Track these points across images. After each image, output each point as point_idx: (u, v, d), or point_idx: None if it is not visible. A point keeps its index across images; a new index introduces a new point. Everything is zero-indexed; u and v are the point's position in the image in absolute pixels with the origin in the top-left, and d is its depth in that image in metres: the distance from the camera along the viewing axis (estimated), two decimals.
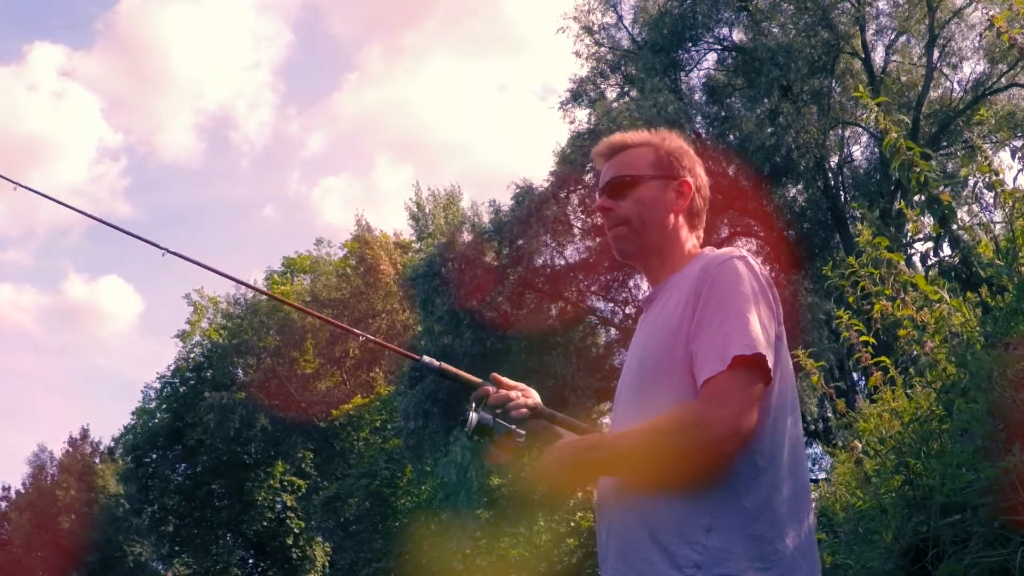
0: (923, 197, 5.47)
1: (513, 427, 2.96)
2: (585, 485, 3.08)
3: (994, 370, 4.20)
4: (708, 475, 2.59)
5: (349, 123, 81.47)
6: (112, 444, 53.45)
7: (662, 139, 3.08)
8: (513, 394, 3.03)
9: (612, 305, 29.97)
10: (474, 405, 3.00)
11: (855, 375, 20.46)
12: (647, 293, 3.09)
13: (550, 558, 31.20)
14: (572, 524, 31.33)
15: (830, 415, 7.46)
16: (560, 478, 2.78)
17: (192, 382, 47.00)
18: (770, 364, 2.60)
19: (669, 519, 2.62)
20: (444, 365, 3.15)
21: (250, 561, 48.15)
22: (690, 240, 3.02)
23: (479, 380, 3.08)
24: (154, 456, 46.68)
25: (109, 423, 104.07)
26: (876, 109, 5.88)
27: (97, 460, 53.86)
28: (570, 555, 31.13)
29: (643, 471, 2.63)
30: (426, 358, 3.18)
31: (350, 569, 37.73)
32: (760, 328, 2.62)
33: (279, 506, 45.49)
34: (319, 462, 44.80)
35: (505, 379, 3.12)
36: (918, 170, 5.40)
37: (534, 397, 3.09)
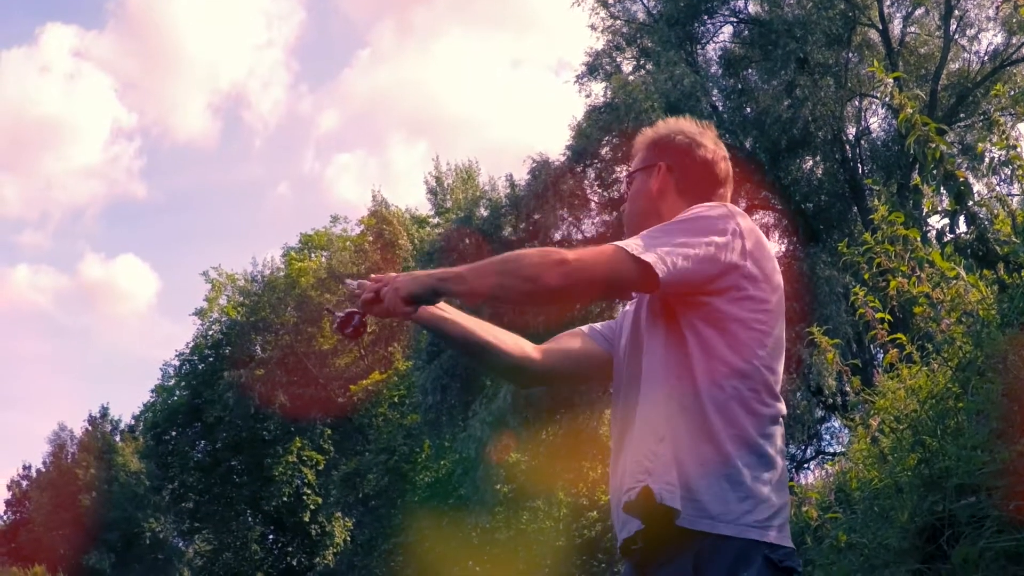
0: (939, 173, 5.42)
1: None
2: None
3: (1009, 352, 4.16)
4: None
5: (362, 100, 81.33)
6: (132, 422, 53.72)
7: (655, 131, 3.24)
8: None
9: None
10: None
11: (872, 349, 20.39)
12: None
13: (569, 532, 31.25)
14: (592, 498, 31.36)
15: (848, 389, 7.39)
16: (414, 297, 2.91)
17: (210, 359, 47.08)
18: (656, 270, 2.70)
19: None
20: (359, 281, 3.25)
21: (270, 537, 48.36)
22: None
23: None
24: (173, 434, 46.84)
25: (128, 402, 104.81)
26: (892, 84, 5.82)
27: (117, 438, 54.08)
28: (589, 528, 31.17)
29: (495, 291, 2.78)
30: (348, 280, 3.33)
31: (369, 544, 37.86)
32: (674, 249, 2.74)
33: (298, 482, 45.62)
34: (337, 438, 44.90)
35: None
36: (933, 146, 5.34)
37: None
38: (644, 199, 3.15)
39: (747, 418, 2.75)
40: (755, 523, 2.66)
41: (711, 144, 3.18)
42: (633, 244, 2.73)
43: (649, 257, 2.67)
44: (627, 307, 3.32)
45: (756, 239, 2.84)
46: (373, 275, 3.12)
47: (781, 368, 2.91)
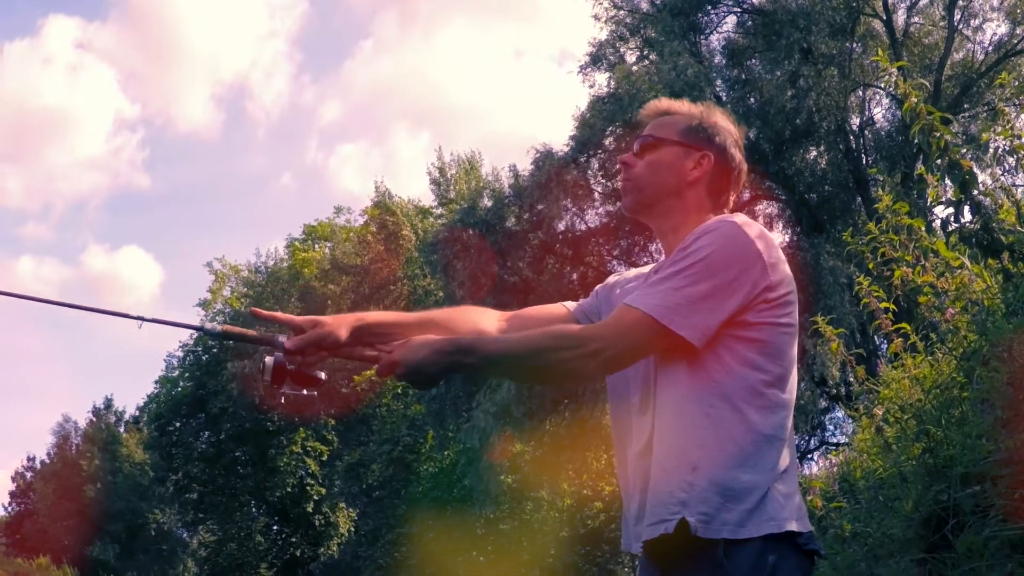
0: (944, 162, 5.41)
1: (318, 374, 2.95)
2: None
3: (1014, 341, 4.16)
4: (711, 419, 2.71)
5: (365, 91, 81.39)
6: (136, 413, 53.73)
7: (702, 112, 3.11)
8: (303, 344, 2.91)
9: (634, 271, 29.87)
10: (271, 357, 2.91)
11: (876, 339, 20.40)
12: (660, 259, 3.11)
13: (573, 522, 31.28)
14: (596, 488, 31.37)
15: (852, 379, 7.40)
16: (425, 376, 2.79)
17: (214, 350, 47.09)
18: (686, 337, 2.68)
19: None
20: (227, 327, 3.00)
21: (274, 528, 48.40)
22: (707, 216, 2.99)
23: (267, 335, 2.97)
24: (177, 424, 46.87)
25: (132, 393, 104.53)
26: (896, 73, 5.81)
27: (121, 429, 54.14)
28: (593, 518, 31.19)
29: (514, 378, 2.80)
30: (208, 325, 3.02)
31: (373, 535, 37.92)
32: (698, 305, 2.69)
33: (302, 473, 45.65)
34: (341, 429, 44.91)
35: (293, 319, 2.98)
36: (938, 135, 5.34)
37: (328, 330, 2.93)
38: (674, 176, 3.01)
39: (772, 418, 2.74)
40: (780, 518, 2.67)
41: (741, 151, 3.14)
42: (657, 307, 2.69)
43: (684, 332, 2.66)
44: (610, 280, 3.31)
45: (768, 242, 2.80)
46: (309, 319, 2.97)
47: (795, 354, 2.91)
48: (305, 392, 2.93)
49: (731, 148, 3.07)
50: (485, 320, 3.25)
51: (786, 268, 2.83)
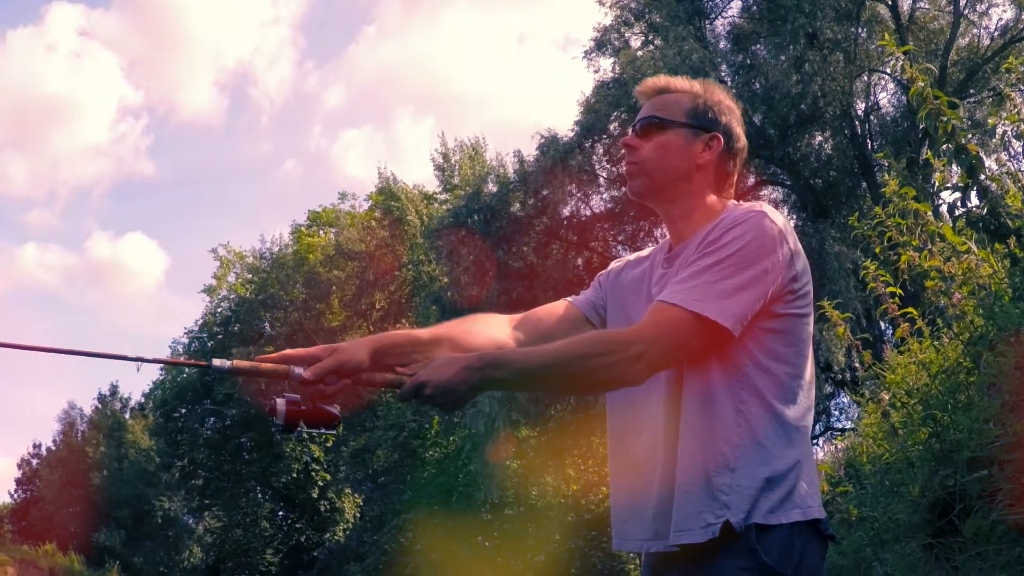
0: (950, 147, 5.40)
1: (332, 409, 2.78)
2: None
3: (1022, 325, 4.15)
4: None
5: (368, 76, 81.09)
6: (141, 400, 53.74)
7: (705, 90, 3.04)
8: (324, 371, 2.77)
9: None
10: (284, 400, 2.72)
11: (882, 324, 20.40)
12: (665, 242, 3.08)
13: (578, 507, 31.29)
14: (602, 473, 31.37)
15: (857, 365, 7.39)
16: (454, 396, 2.65)
17: (220, 336, 47.15)
18: (729, 328, 2.64)
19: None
20: (237, 363, 2.71)
21: (280, 513, 48.49)
22: (715, 198, 2.97)
23: (282, 367, 2.73)
24: (183, 411, 46.95)
25: (138, 379, 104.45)
26: (903, 57, 5.80)
27: (127, 416, 54.14)
28: (598, 504, 31.20)
29: (551, 390, 2.71)
30: (216, 362, 2.66)
31: (379, 520, 37.92)
32: (737, 297, 2.65)
33: (307, 459, 45.70)
34: (346, 414, 44.70)
35: (306, 351, 2.84)
36: (945, 119, 5.33)
37: (348, 355, 2.81)
38: (683, 160, 2.94)
39: (798, 409, 2.74)
40: (806, 505, 2.68)
41: (743, 129, 3.09)
42: (698, 302, 2.64)
43: (728, 324, 2.62)
44: (614, 267, 3.26)
45: (791, 232, 2.79)
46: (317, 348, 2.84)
47: None
48: (323, 431, 2.77)
49: (736, 127, 3.02)
50: (496, 328, 3.13)
51: (804, 257, 2.82)
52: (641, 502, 2.83)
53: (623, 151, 3.02)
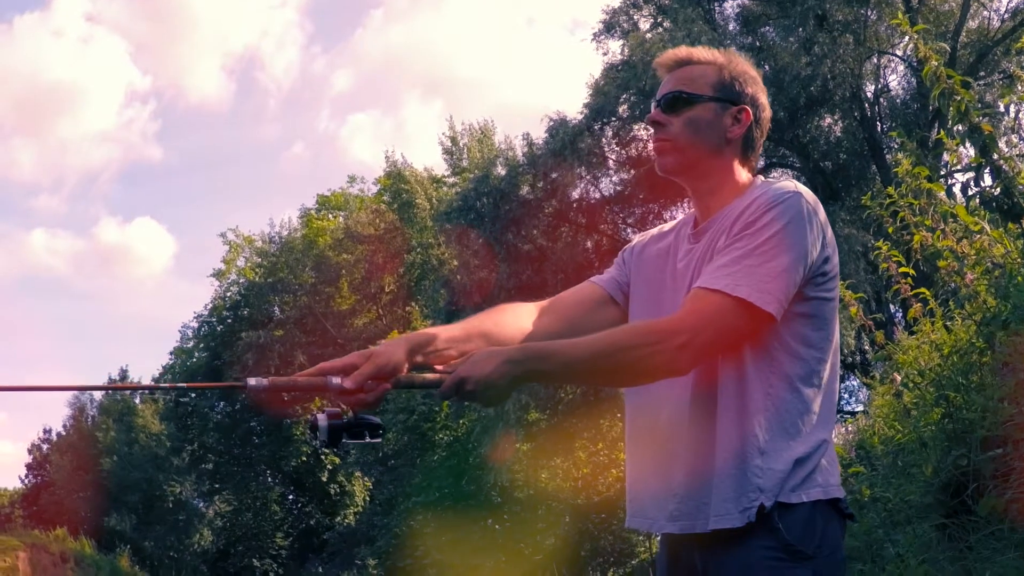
0: (963, 127, 5.37)
1: (374, 418, 2.70)
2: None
3: None
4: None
5: (376, 60, 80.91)
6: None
7: (728, 60, 2.97)
8: (365, 377, 2.65)
9: None
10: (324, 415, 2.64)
11: (892, 307, 20.39)
12: (689, 216, 3.03)
13: (588, 490, 31.31)
14: (612, 456, 31.39)
15: (867, 348, 7.37)
16: (496, 391, 2.59)
17: (229, 321, 47.26)
18: (773, 313, 2.60)
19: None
20: (273, 380, 2.63)
21: (290, 497, 48.64)
22: (743, 171, 2.93)
23: (319, 379, 2.64)
24: (192, 395, 47.04)
25: (148, 364, 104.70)
26: (916, 37, 5.77)
27: (137, 401, 54.25)
28: (609, 488, 31.21)
29: (595, 382, 2.63)
30: (251, 381, 2.57)
31: (389, 503, 37.98)
32: (779, 281, 2.61)
33: (317, 442, 45.79)
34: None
35: (340, 361, 2.68)
36: (959, 99, 5.30)
37: (385, 357, 2.68)
38: (714, 134, 2.88)
39: (823, 393, 2.73)
40: (828, 484, 2.68)
41: (767, 98, 3.03)
42: (741, 287, 2.60)
43: (771, 309, 2.58)
44: (637, 242, 3.20)
45: (821, 208, 2.76)
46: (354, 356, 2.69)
47: None
48: (368, 440, 2.69)
49: (761, 97, 2.97)
50: (526, 318, 3.05)
51: (833, 237, 2.79)
52: (663, 482, 2.81)
53: (650, 126, 2.97)
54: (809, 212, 2.70)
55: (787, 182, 2.81)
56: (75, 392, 55.63)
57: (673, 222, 3.13)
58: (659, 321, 2.76)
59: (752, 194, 2.79)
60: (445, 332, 2.88)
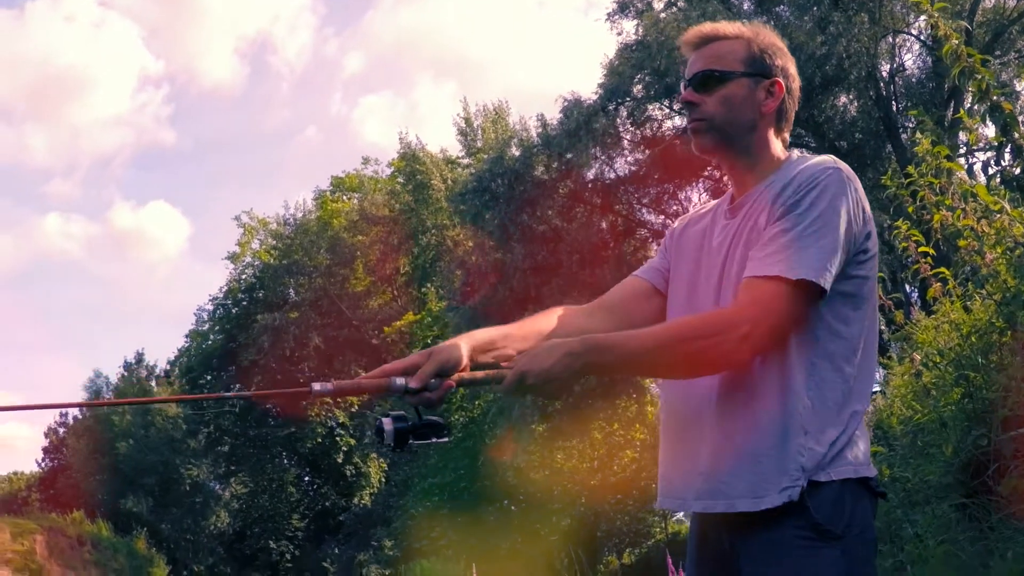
0: (983, 106, 5.34)
1: (438, 419, 2.72)
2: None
3: None
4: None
5: (388, 42, 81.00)
6: (167, 367, 53.90)
7: (755, 33, 2.94)
8: (429, 375, 2.67)
9: (663, 218, 29.84)
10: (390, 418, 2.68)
11: (908, 287, 20.34)
12: (726, 196, 3.02)
13: (604, 470, 31.36)
14: (627, 437, 31.42)
15: (883, 328, 7.34)
16: (557, 384, 2.59)
17: (244, 303, 47.37)
18: (824, 286, 2.59)
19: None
20: (337, 383, 2.62)
21: (305, 479, 48.79)
22: (777, 143, 2.93)
23: (383, 380, 2.67)
24: (208, 377, 47.23)
25: (163, 347, 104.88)
26: (936, 15, 5.73)
27: (153, 384, 54.35)
28: (624, 468, 31.25)
29: (654, 374, 2.61)
30: (316, 386, 2.58)
31: (404, 484, 38.13)
32: (833, 258, 2.61)
33: (332, 424, 45.92)
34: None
35: (402, 361, 2.73)
36: (979, 77, 5.27)
37: (447, 355, 2.70)
38: (750, 110, 2.87)
39: (860, 374, 2.72)
40: (858, 463, 2.67)
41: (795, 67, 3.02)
42: (796, 270, 2.58)
43: (823, 281, 2.58)
44: (676, 227, 3.18)
45: (860, 184, 2.75)
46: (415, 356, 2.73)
47: None
48: (435, 440, 2.72)
49: (791, 67, 2.96)
50: (580, 318, 3.04)
51: (871, 215, 2.77)
52: (692, 461, 2.80)
53: (683, 106, 2.95)
54: (850, 187, 2.69)
55: (824, 156, 2.80)
56: (91, 376, 55.91)
57: (712, 203, 3.12)
58: (719, 312, 2.76)
59: (790, 171, 2.79)
60: (503, 330, 2.91)
